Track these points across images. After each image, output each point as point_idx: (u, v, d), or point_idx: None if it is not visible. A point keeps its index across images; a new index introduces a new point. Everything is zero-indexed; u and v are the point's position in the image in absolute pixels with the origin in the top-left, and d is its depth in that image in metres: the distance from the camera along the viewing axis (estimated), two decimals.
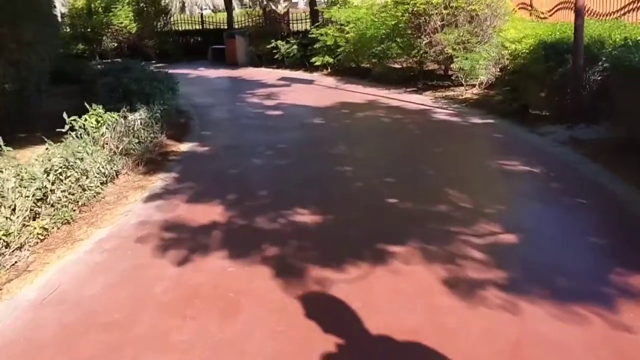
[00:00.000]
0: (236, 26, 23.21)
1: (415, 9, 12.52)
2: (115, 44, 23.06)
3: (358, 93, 13.23)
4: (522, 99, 9.72)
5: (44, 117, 11.99)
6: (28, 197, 5.14)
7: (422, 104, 11.44)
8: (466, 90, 11.98)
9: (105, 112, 7.64)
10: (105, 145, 7.23)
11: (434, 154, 8.02)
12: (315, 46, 16.88)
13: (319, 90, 14.07)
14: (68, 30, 23.88)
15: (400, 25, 13.49)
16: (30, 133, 9.03)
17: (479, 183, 6.76)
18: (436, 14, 12.19)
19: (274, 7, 21.36)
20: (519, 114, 9.60)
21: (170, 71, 19.28)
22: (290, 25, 22.01)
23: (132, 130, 7.73)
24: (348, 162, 7.61)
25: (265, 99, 12.96)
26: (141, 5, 22.65)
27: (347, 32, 15.89)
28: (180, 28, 25.10)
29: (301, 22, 21.92)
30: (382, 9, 14.60)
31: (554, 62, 8.79)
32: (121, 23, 22.53)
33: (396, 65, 15.30)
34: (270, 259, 4.73)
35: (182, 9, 47.17)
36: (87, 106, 7.58)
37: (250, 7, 24.68)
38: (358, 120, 10.40)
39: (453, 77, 12.36)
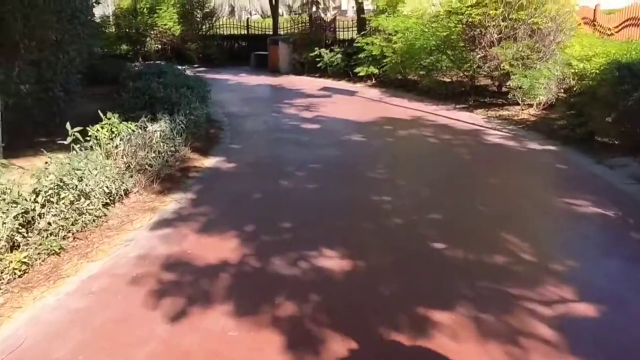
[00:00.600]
0: (282, 32, 22.48)
1: (470, 20, 11.46)
2: (159, 46, 22.59)
3: (403, 108, 12.21)
4: (588, 125, 8.53)
5: (73, 119, 11.44)
6: (5, 223, 4.32)
7: (473, 124, 10.35)
8: (523, 110, 10.84)
9: (122, 122, 6.88)
10: (117, 159, 6.44)
11: (487, 186, 6.94)
12: (360, 56, 15.94)
13: (361, 103, 13.10)
14: (113, 30, 23.58)
15: (452, 37, 12.44)
16: (51, 138, 8.34)
17: (542, 227, 5.66)
18: (493, 26, 11.09)
19: (321, 14, 20.51)
20: (584, 141, 8.43)
21: (210, 76, 18.81)
22: (337, 33, 21.16)
23: (149, 143, 6.92)
24: (387, 190, 6.63)
25: (304, 110, 12.07)
26: (186, 7, 22.08)
27: (395, 42, 14.90)
28: (225, 32, 24.48)
29: (348, 30, 21.00)
30: (434, 19, 13.57)
31: (629, 85, 7.61)
32: (165, 25, 22.03)
33: (445, 79, 14.24)
34: (283, 321, 3.80)
35: (232, 12, 47.03)
36: (102, 115, 6.82)
37: (299, 13, 23.98)
38: (401, 140, 9.40)
39: (509, 95, 11.22)
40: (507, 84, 11.10)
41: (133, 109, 8.50)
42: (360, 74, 16.00)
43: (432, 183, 7.02)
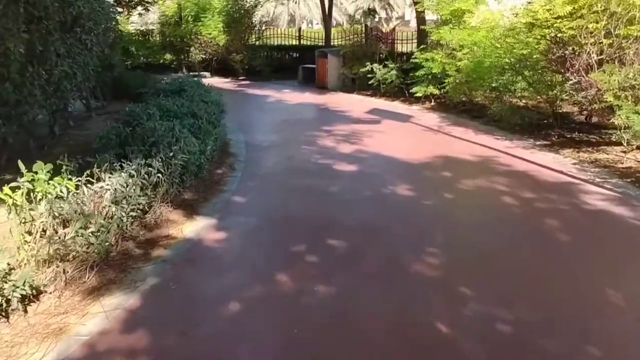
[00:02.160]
0: (335, 44, 20.04)
1: (559, 36, 8.66)
2: (203, 56, 20.54)
3: (467, 142, 9.49)
4: None
5: (64, 145, 9.36)
6: None
7: (561, 172, 7.56)
8: (628, 153, 7.96)
9: (52, 178, 4.56)
10: (26, 243, 4.13)
11: (604, 304, 4.21)
12: (417, 73, 13.27)
13: (415, 133, 10.43)
14: (158, 38, 21.74)
15: (534, 56, 9.63)
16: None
17: None
18: (592, 44, 8.25)
19: (382, 24, 17.91)
20: None
21: (251, 92, 16.58)
22: (395, 45, 18.53)
23: (89, 212, 4.57)
24: (441, 307, 4.03)
25: (343, 141, 9.53)
26: (234, 15, 19.89)
27: (459, 59, 12.20)
28: (275, 42, 22.21)
29: (408, 43, 18.36)
30: (509, 32, 10.76)
31: None
32: (210, 34, 19.97)
33: (519, 103, 11.41)
34: None
35: (291, 22, 45.07)
36: (21, 167, 4.52)
37: (360, 23, 21.57)
38: (464, 198, 6.71)
39: (606, 130, 8.36)
40: (613, 120, 8.11)
41: (105, 147, 6.21)
42: (417, 94, 13.35)
43: (513, 292, 4.33)
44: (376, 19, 45.94)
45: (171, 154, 5.83)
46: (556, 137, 9.51)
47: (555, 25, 8.66)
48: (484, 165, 8.02)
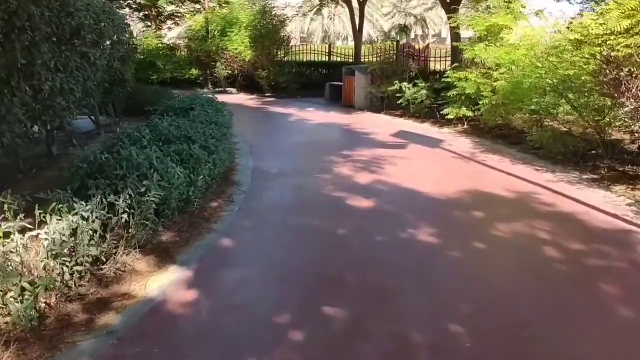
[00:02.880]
0: (365, 60, 18.99)
1: (612, 55, 7.38)
2: (229, 72, 19.70)
3: (503, 174, 8.25)
4: None
5: (59, 167, 8.37)
6: None
7: (615, 217, 6.25)
8: None
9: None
10: None
11: None
12: (449, 94, 12.06)
13: (444, 161, 9.22)
14: (185, 53, 21.03)
15: (582, 78, 8.36)
16: None
17: None
18: None
19: (415, 42, 16.77)
20: None
21: (273, 110, 15.59)
22: (428, 63, 17.38)
23: (16, 270, 3.55)
24: None
25: (362, 169, 8.40)
26: (261, 30, 18.99)
27: (496, 79, 10.98)
28: (304, 58, 21.26)
29: (442, 61, 17.20)
30: (552, 50, 9.50)
31: None
32: (236, 49, 19.15)
33: (562, 128, 10.09)
34: None
35: (326, 38, 44.25)
36: None
37: (393, 39, 20.40)
38: (498, 248, 5.49)
39: None
40: None
41: (73, 178, 5.22)
42: (449, 116, 12.13)
43: None
44: (412, 37, 44.81)
45: (144, 189, 4.79)
46: (606, 170, 8.18)
47: (608, 42, 7.38)
48: (523, 205, 6.77)
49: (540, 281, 4.65)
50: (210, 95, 11.76)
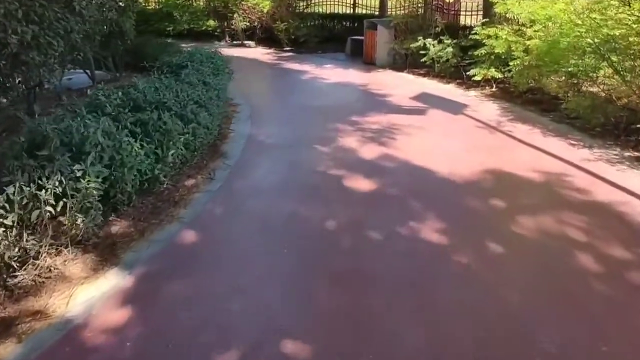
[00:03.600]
0: (392, 13, 17.49)
1: None
2: (248, 24, 18.45)
3: (532, 148, 7.11)
4: None
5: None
6: None
7: None
8: None
9: None
10: None
11: None
12: (477, 52, 10.74)
13: (465, 131, 8.07)
14: (201, 3, 19.77)
15: (631, 39, 7.05)
16: None
17: None
18: None
19: None
20: None
21: (288, 66, 14.34)
22: (458, 17, 15.84)
23: None
24: None
25: (370, 140, 7.34)
26: None
27: (529, 37, 9.64)
28: (326, 10, 19.82)
29: (474, 15, 15.63)
30: (595, 5, 8.14)
31: None
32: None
33: (601, 94, 8.77)
34: None
35: None
36: None
37: None
38: (517, 252, 4.44)
39: None
40: None
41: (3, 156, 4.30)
42: (476, 77, 10.84)
43: None
44: None
45: (79, 174, 3.85)
46: None
47: None
48: (552, 191, 5.66)
49: (570, 307, 3.61)
50: (215, 50, 10.68)
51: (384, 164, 6.39)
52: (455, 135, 7.79)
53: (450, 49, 11.94)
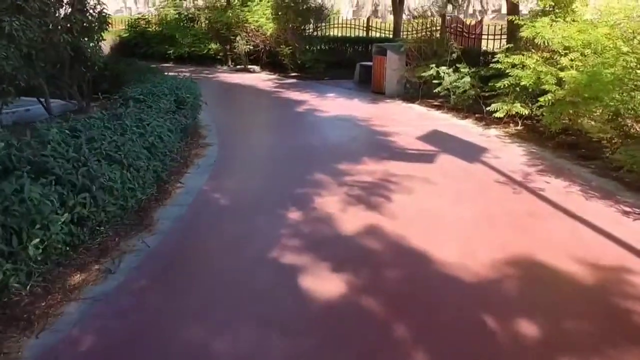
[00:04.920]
0: (406, 36, 15.69)
1: None
2: (252, 47, 16.83)
3: (572, 219, 5.16)
4: None
5: None
6: None
7: None
8: None
9: None
10: None
11: None
12: (499, 84, 8.81)
13: (483, 189, 6.14)
14: (203, 25, 18.23)
15: None
16: None
17: None
18: None
19: (475, 18, 13.37)
20: None
21: (285, 96, 12.47)
22: (480, 42, 13.94)
23: None
24: None
25: (356, 201, 5.48)
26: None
27: (563, 67, 7.73)
28: (337, 33, 18.15)
29: (497, 39, 13.71)
30: None
31: None
32: (256, 21, 16.26)
33: None
34: None
35: (375, 12, 40.72)
36: None
37: (450, 15, 16.85)
38: None
39: None
40: None
41: None
42: (498, 114, 8.92)
43: None
44: (469, 12, 40.52)
45: None
46: None
47: None
48: (608, 303, 3.70)
49: None
50: (191, 79, 8.99)
51: (367, 245, 4.50)
52: (469, 196, 5.87)
53: (467, 79, 10.05)
